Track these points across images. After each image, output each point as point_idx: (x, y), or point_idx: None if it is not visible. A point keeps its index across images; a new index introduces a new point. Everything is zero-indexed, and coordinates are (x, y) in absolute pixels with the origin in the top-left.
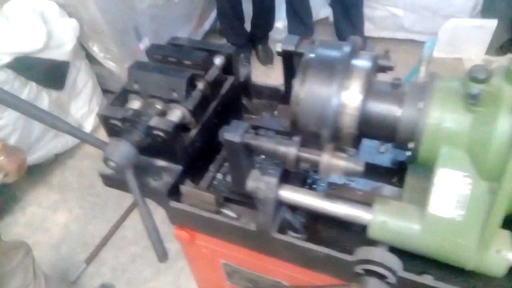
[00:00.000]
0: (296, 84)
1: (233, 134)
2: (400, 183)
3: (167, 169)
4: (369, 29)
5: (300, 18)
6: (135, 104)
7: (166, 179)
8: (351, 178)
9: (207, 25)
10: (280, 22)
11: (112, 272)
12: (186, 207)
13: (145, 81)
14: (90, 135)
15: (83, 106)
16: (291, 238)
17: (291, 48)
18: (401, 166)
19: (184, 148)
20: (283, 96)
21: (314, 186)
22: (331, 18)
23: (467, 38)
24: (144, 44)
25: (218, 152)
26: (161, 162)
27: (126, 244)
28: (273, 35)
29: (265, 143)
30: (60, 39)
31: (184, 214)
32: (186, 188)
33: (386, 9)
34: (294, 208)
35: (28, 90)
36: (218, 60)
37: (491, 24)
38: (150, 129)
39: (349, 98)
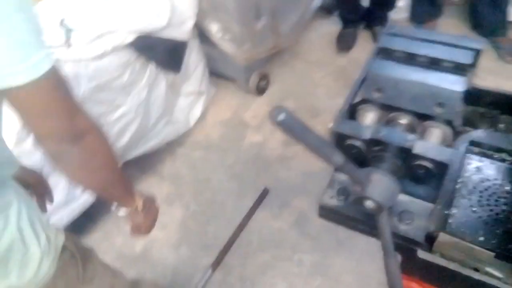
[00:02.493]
0: None
1: None
2: None
3: (417, 207)
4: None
5: None
6: (369, 117)
7: (419, 222)
8: None
9: (317, 2)
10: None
11: (240, 282)
12: (444, 262)
13: (393, 89)
14: (356, 170)
15: (193, 91)
16: None
17: None
18: None
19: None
20: None
21: None
22: None
23: None
24: (261, 23)
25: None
26: (406, 197)
27: (253, 250)
28: (392, 15)
29: None
30: (181, 16)
31: (433, 268)
32: (449, 237)
33: None
34: None
35: (148, 73)
36: None
37: None
38: (413, 158)
39: None
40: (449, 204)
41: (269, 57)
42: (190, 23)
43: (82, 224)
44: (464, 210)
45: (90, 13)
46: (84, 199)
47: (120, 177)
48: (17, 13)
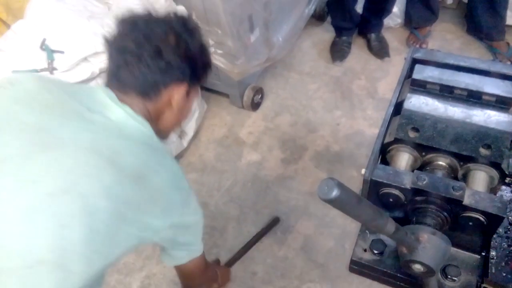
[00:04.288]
0: None
1: None
2: None
3: (462, 260)
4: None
5: (425, 0)
6: (403, 159)
7: (465, 277)
8: None
9: (310, 10)
10: (396, 5)
11: None
12: None
13: (431, 128)
14: (405, 235)
15: None
16: None
17: None
18: None
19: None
20: None
21: None
22: (449, 0)
23: None
24: (255, 35)
25: None
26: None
27: (258, 284)
28: (386, 21)
29: None
30: None
31: None
32: None
33: None
34: None
35: None
36: None
37: None
38: (461, 209)
39: None
40: (487, 249)
41: (262, 70)
42: None
43: None
44: (503, 251)
45: (75, 33)
46: None
47: None
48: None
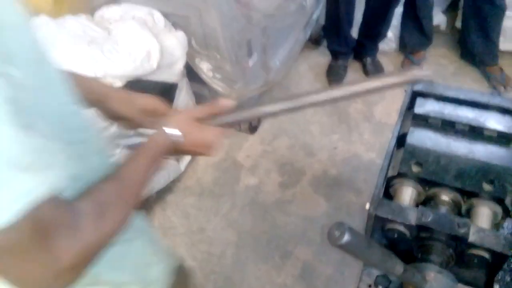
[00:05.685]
0: None
1: None
2: None
3: None
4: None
5: (419, 25)
6: (407, 194)
7: None
8: None
9: (306, 34)
10: (390, 30)
11: None
12: None
13: (435, 164)
14: (412, 276)
15: None
16: None
17: None
18: None
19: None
20: None
21: None
22: (443, 26)
23: None
24: (253, 60)
25: None
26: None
27: None
28: (381, 46)
29: None
30: (171, 57)
31: None
32: None
33: None
34: None
35: None
36: None
37: None
38: (467, 246)
39: None
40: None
41: (260, 94)
42: (180, 64)
43: None
44: (506, 285)
45: (75, 58)
46: None
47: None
48: None
